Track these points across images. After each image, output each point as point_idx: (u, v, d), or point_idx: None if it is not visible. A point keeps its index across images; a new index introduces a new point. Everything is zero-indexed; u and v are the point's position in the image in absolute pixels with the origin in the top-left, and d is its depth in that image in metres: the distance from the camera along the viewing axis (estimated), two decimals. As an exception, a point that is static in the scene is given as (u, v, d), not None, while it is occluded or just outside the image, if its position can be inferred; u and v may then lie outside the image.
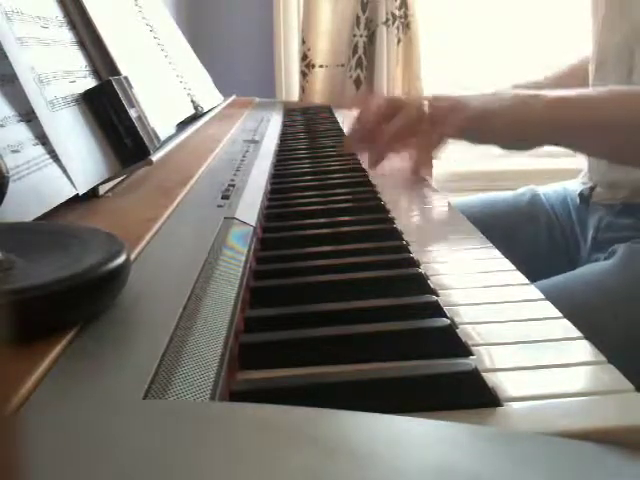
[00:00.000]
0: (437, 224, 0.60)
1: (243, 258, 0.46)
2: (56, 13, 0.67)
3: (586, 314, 0.61)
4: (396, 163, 0.78)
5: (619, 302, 0.73)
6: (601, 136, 0.73)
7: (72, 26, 0.69)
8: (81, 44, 0.69)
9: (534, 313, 0.39)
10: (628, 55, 0.84)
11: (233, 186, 0.63)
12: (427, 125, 0.73)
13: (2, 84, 0.52)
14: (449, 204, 0.67)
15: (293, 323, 0.38)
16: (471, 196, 1.09)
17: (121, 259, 0.34)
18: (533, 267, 0.67)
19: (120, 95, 0.63)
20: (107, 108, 0.62)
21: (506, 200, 1.04)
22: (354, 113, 0.91)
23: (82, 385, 0.27)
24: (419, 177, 0.77)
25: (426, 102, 0.75)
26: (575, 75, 1.01)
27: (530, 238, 0.99)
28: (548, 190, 1.04)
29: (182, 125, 0.93)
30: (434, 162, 0.81)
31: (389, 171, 0.77)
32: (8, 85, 0.52)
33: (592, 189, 0.94)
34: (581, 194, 0.96)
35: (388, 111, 0.78)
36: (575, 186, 1.00)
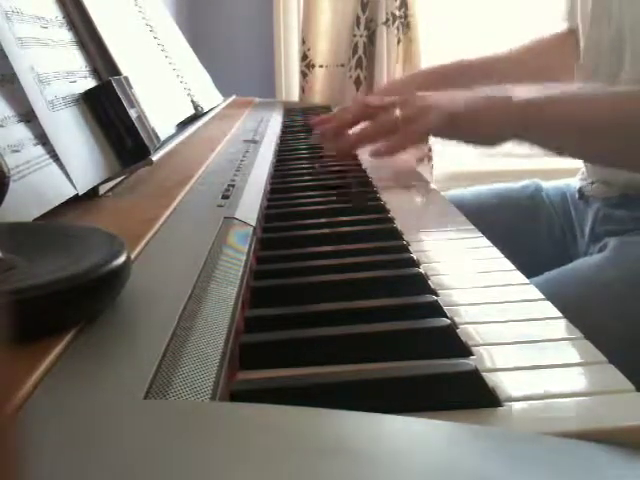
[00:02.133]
0: (437, 224, 0.60)
1: (243, 258, 0.46)
2: (56, 13, 0.67)
3: (578, 308, 0.61)
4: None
5: (613, 297, 0.73)
6: (578, 136, 0.73)
7: (72, 26, 0.69)
8: (81, 44, 0.69)
9: (534, 313, 0.39)
10: (617, 54, 0.84)
11: (233, 186, 0.63)
12: (398, 126, 0.74)
13: (2, 84, 0.52)
14: (450, 204, 0.67)
15: (293, 323, 0.38)
16: (473, 187, 1.10)
17: (121, 259, 0.34)
18: (532, 261, 0.68)
19: (120, 95, 0.63)
20: (107, 108, 0.62)
21: (508, 193, 1.05)
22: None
23: (82, 385, 0.27)
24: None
25: (398, 103, 0.76)
26: (536, 51, 1.04)
27: (530, 232, 1.00)
28: (549, 186, 1.05)
29: (182, 125, 0.93)
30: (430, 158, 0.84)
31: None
32: (8, 85, 0.52)
33: (591, 184, 0.95)
34: (580, 190, 0.97)
35: (361, 115, 0.81)
36: (575, 183, 1.01)
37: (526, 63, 1.04)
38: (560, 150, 0.77)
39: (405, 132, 0.73)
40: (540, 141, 0.74)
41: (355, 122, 0.82)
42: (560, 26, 1.03)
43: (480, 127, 0.73)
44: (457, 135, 0.76)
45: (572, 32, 0.99)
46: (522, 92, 0.72)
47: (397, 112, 0.74)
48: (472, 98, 0.73)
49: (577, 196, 0.98)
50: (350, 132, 0.83)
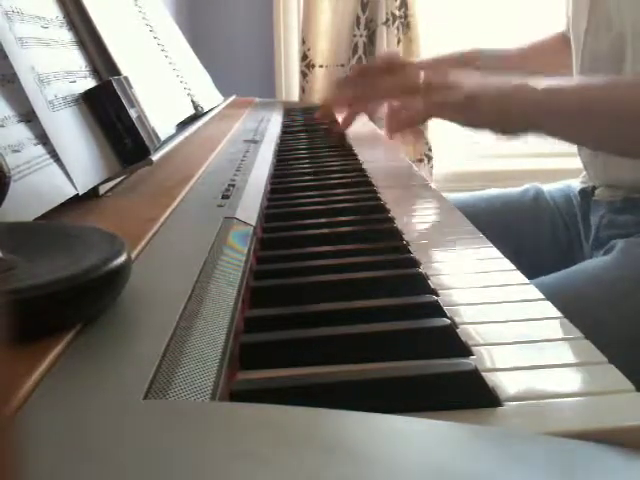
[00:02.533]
0: (437, 224, 0.60)
1: (243, 258, 0.46)
2: (56, 13, 0.67)
3: (585, 309, 0.61)
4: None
5: (617, 296, 0.73)
6: (590, 124, 0.73)
7: (72, 26, 0.69)
8: (81, 44, 0.69)
9: (534, 313, 0.39)
10: (617, 60, 0.84)
11: (233, 186, 0.63)
12: (420, 93, 0.73)
13: (2, 84, 0.52)
14: (450, 204, 0.67)
15: (293, 323, 0.38)
16: (475, 192, 1.09)
17: (122, 259, 0.34)
18: (536, 265, 0.68)
19: (120, 95, 0.63)
20: (107, 108, 0.62)
21: (510, 197, 1.05)
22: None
23: (82, 385, 0.27)
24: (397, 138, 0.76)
25: (423, 71, 0.75)
26: (539, 51, 1.07)
27: (533, 236, 0.99)
28: (552, 188, 1.05)
29: (182, 125, 0.94)
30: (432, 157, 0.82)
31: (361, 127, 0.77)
32: (8, 85, 0.52)
33: (594, 188, 0.94)
34: (583, 192, 0.97)
35: (385, 67, 0.78)
36: (578, 184, 1.00)
37: (529, 60, 1.06)
38: (578, 140, 0.77)
39: (424, 103, 0.72)
40: (559, 132, 0.74)
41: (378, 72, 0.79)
42: (559, 27, 1.05)
43: (499, 113, 0.73)
44: (470, 119, 0.75)
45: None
46: (543, 83, 0.72)
47: (422, 76, 0.73)
48: (496, 84, 0.73)
49: (579, 198, 0.98)
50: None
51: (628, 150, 0.76)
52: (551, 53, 1.06)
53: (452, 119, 0.76)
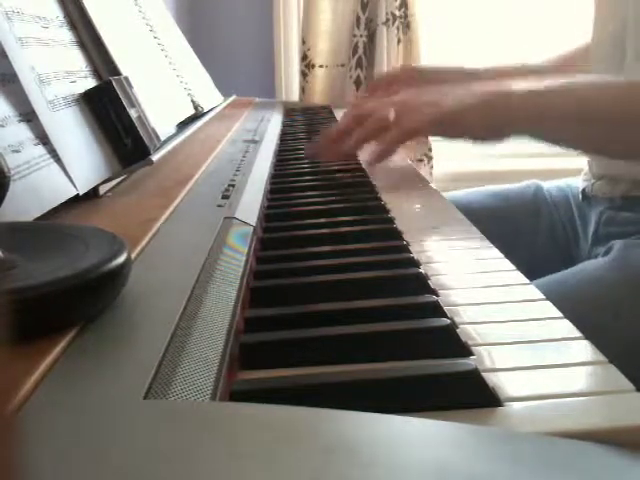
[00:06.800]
0: (437, 224, 0.60)
1: (243, 258, 0.46)
2: (56, 13, 0.67)
3: (584, 311, 0.61)
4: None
5: (616, 298, 0.73)
6: (576, 126, 0.73)
7: (72, 26, 0.69)
8: (81, 44, 0.69)
9: (534, 313, 0.39)
10: (620, 47, 0.84)
11: (233, 186, 0.63)
12: (390, 124, 0.73)
13: (2, 84, 0.52)
14: (450, 204, 0.67)
15: (293, 323, 0.38)
16: (474, 188, 1.09)
17: (121, 259, 0.34)
18: (533, 262, 0.68)
19: (120, 95, 0.63)
20: (107, 108, 0.62)
21: (510, 193, 1.05)
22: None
23: (82, 385, 0.27)
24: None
25: (391, 103, 0.74)
26: (573, 60, 1.03)
27: (531, 233, 1.00)
28: (550, 186, 1.05)
29: (182, 125, 0.93)
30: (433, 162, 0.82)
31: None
32: (8, 85, 0.52)
33: (593, 184, 0.94)
34: (583, 191, 0.97)
35: (356, 121, 0.78)
36: (577, 183, 1.00)
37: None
38: (563, 143, 0.77)
39: (395, 130, 0.72)
40: (546, 136, 0.74)
41: (350, 128, 0.80)
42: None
43: (476, 124, 0.72)
44: (452, 133, 0.75)
45: None
46: (521, 86, 0.71)
47: (391, 111, 0.73)
48: (467, 94, 0.72)
49: (580, 198, 0.98)
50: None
51: (627, 153, 0.76)
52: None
53: (435, 134, 0.76)
